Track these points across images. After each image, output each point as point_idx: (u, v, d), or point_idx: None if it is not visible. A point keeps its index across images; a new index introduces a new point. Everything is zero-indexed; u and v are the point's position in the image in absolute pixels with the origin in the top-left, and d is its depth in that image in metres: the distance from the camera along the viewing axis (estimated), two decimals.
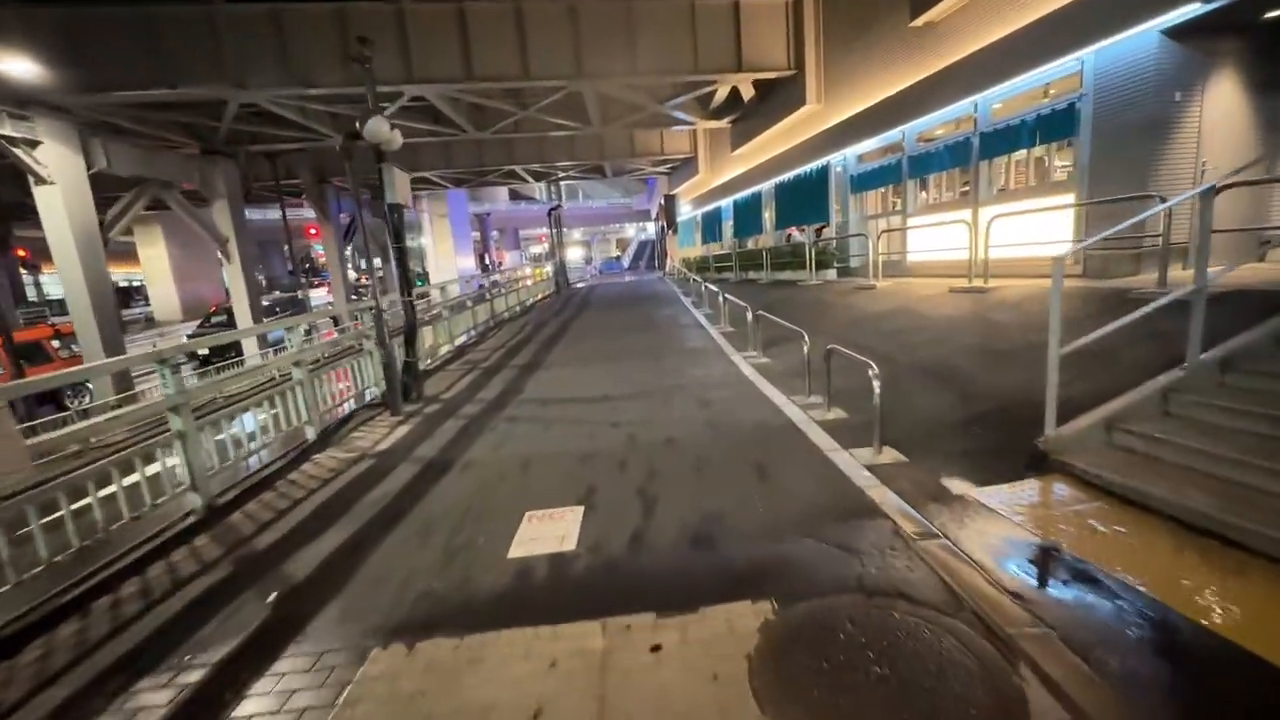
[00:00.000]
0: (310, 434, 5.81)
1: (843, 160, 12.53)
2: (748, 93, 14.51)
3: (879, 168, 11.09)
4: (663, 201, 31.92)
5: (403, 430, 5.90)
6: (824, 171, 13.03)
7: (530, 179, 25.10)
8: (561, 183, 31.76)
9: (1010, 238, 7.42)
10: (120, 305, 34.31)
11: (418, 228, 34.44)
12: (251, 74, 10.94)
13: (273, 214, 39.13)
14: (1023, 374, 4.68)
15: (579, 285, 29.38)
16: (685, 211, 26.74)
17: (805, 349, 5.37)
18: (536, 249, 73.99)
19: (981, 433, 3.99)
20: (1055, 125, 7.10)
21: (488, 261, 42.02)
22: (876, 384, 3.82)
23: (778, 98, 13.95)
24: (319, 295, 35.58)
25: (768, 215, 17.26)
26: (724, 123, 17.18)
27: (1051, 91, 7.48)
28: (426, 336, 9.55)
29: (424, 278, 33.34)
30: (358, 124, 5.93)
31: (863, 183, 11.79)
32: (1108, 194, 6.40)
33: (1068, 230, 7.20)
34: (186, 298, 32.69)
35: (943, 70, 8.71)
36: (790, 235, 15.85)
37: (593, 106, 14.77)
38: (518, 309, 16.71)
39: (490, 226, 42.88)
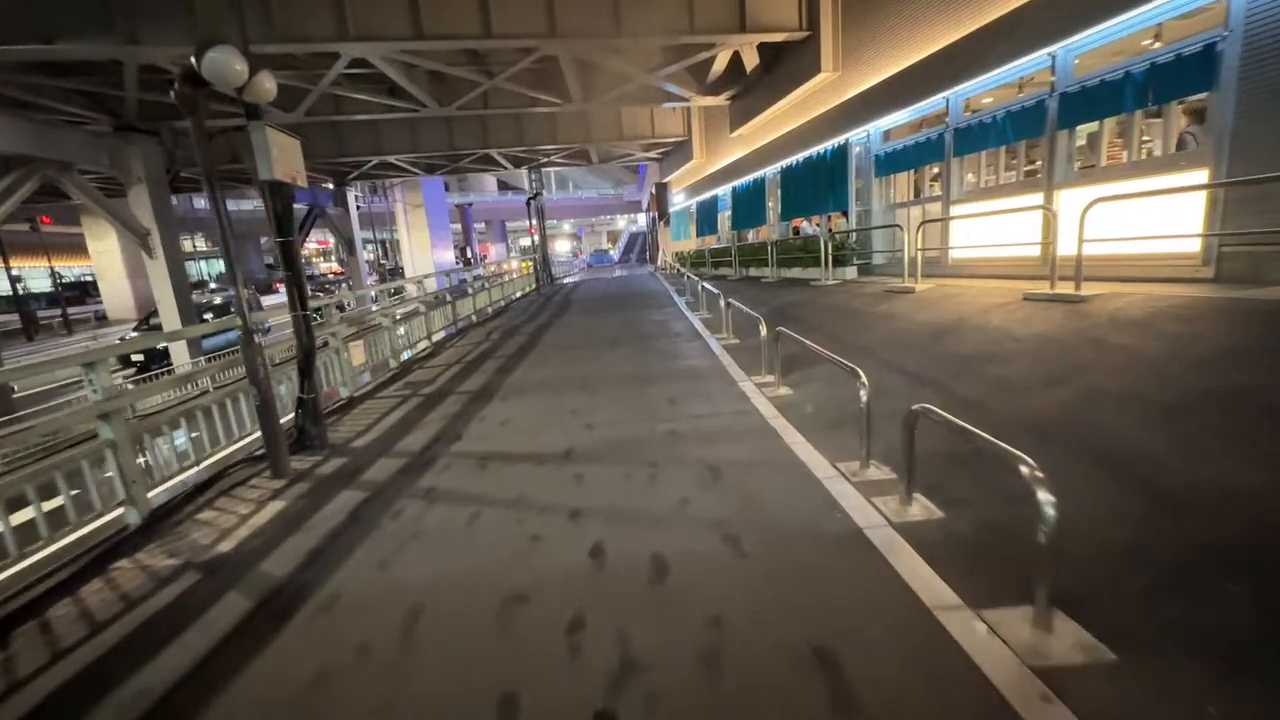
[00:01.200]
0: (132, 518, 3.95)
1: (865, 138, 10.70)
2: (751, 61, 12.62)
3: (913, 145, 9.26)
4: (653, 190, 30.01)
5: (272, 509, 4.04)
6: (841, 152, 11.20)
7: (509, 164, 23.07)
8: (547, 170, 29.78)
9: (1100, 229, 5.63)
10: (74, 301, 32.19)
11: (389, 219, 32.33)
12: (147, 27, 8.91)
13: (245, 205, 36.76)
14: (1244, 452, 2.88)
15: (566, 280, 27.47)
16: (678, 201, 24.86)
17: (863, 398, 3.51)
18: (526, 241, 72.11)
19: (1237, 590, 2.18)
20: (1180, 77, 5.29)
21: (470, 255, 39.89)
22: (1047, 503, 2.00)
23: (786, 66, 12.08)
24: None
25: (772, 204, 15.43)
26: (722, 99, 15.29)
27: (1163, 35, 5.67)
28: (357, 354, 7.66)
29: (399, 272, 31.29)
30: (193, 58, 3.98)
31: (891, 164, 9.97)
32: (1262, 167, 4.61)
33: (1192, 219, 5.41)
34: (142, 294, 30.49)
35: (1006, 16, 6.88)
36: (797, 227, 14.03)
37: (572, 77, 12.82)
38: (489, 310, 14.81)
39: (472, 218, 40.73)
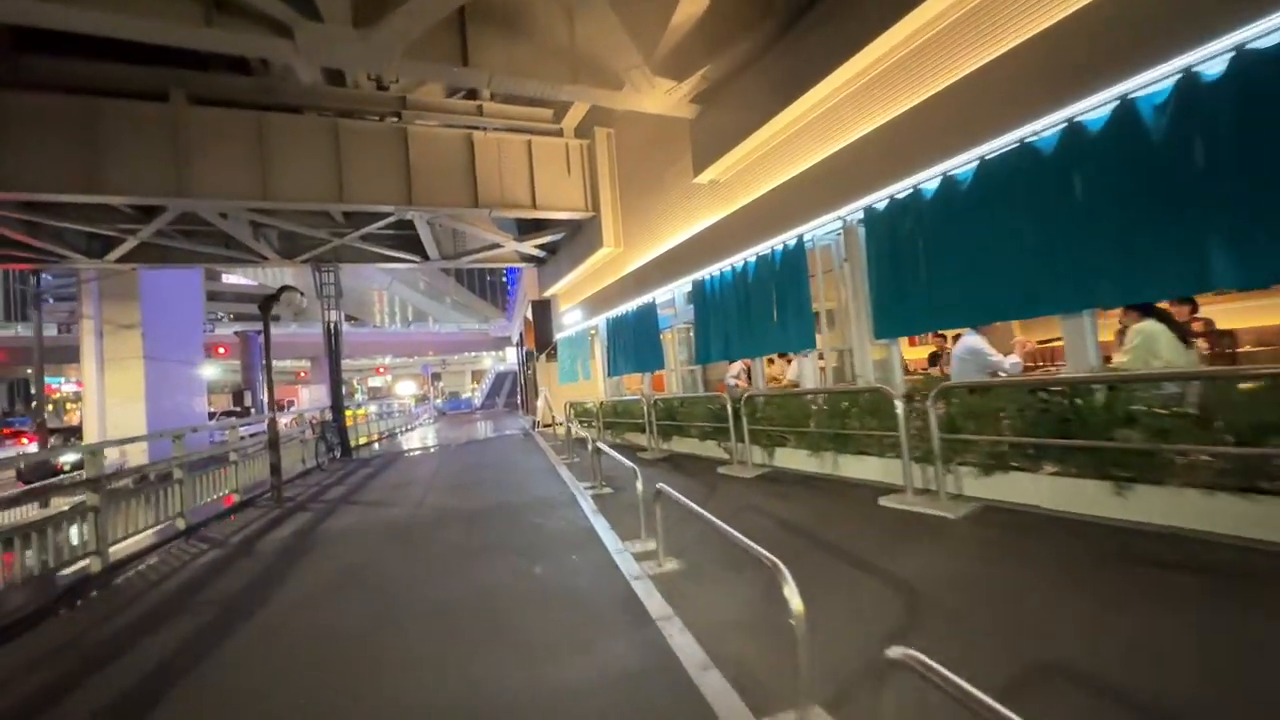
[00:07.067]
0: None
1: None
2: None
3: None
4: (528, 315, 20.99)
5: None
6: None
7: (267, 247, 12.75)
8: (402, 295, 19.90)
9: None
10: None
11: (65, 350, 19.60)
12: None
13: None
14: None
15: (394, 437, 16.45)
16: (571, 322, 15.95)
17: None
18: (376, 381, 58.62)
19: None
20: None
21: (250, 402, 26.92)
22: None
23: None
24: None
25: (845, 289, 7.05)
26: (682, 93, 7.26)
27: None
28: None
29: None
30: None
31: None
32: None
33: None
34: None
35: None
36: (938, 351, 5.38)
37: None
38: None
39: (258, 353, 28.54)
